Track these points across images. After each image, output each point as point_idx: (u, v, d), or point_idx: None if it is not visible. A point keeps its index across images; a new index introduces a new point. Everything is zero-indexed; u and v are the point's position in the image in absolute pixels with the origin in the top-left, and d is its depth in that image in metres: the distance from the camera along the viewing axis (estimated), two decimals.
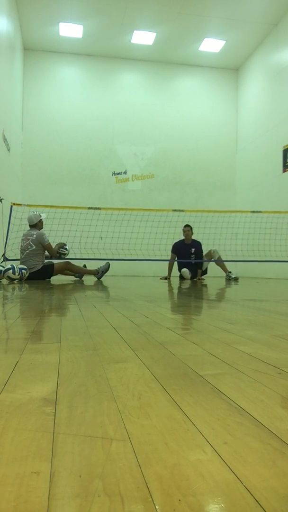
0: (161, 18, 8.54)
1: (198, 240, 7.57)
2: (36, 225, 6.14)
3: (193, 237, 7.54)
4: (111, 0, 8.00)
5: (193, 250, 7.36)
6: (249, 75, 10.06)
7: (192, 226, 7.55)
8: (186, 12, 8.31)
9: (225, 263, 7.43)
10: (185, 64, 10.36)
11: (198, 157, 10.36)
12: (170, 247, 7.58)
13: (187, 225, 7.47)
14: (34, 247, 5.92)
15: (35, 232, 6.01)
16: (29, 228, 6.23)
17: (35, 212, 6.24)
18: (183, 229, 7.44)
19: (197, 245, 7.43)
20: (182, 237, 7.52)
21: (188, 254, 7.34)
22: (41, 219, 6.21)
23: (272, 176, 8.85)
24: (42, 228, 6.25)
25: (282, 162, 8.46)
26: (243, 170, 10.32)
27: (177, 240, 7.56)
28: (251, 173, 9.87)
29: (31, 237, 5.97)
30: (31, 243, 5.93)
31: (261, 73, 9.45)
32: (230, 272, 7.38)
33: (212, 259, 7.37)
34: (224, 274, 7.53)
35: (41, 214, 6.26)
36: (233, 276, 7.27)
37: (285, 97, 8.43)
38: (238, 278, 7.38)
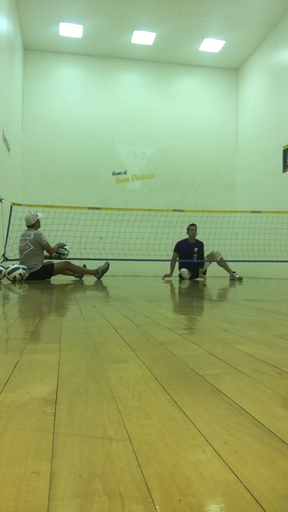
0: (161, 18, 8.54)
1: (200, 240, 7.57)
2: (34, 225, 6.13)
3: (195, 236, 7.54)
4: (111, 0, 8.00)
5: (195, 249, 7.36)
6: (249, 75, 10.06)
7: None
8: (186, 12, 8.31)
9: (227, 263, 7.44)
10: (185, 64, 10.36)
11: (198, 157, 10.36)
12: (173, 246, 7.54)
13: (194, 224, 7.45)
14: (32, 248, 5.91)
15: (32, 233, 6.00)
16: (26, 229, 6.21)
17: (32, 212, 6.21)
18: (190, 228, 7.41)
19: (200, 245, 7.43)
20: (185, 237, 7.51)
21: (191, 254, 7.34)
22: (39, 219, 6.19)
23: (272, 176, 8.85)
24: (39, 227, 6.24)
25: (282, 162, 8.46)
26: (243, 170, 10.32)
27: (180, 239, 7.55)
28: (251, 173, 9.87)
29: (28, 238, 5.97)
30: (29, 244, 5.92)
31: (261, 73, 9.45)
32: (234, 272, 7.38)
33: (215, 260, 7.36)
34: (227, 274, 7.54)
35: (38, 214, 6.23)
36: (237, 276, 7.26)
37: (285, 97, 8.42)
38: (242, 278, 7.38)
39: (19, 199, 8.47)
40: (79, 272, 6.39)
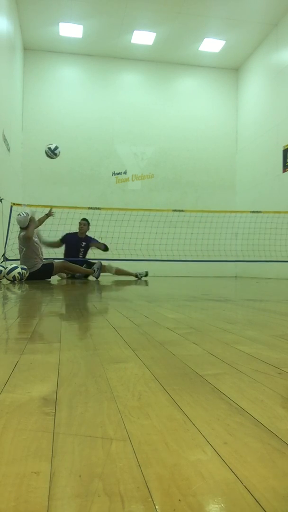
0: (161, 18, 8.54)
1: (93, 237, 7.26)
2: (29, 225, 5.83)
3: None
4: (111, 0, 8.00)
5: (83, 244, 7.07)
6: (249, 75, 10.06)
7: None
8: (186, 12, 8.31)
9: (123, 269, 6.99)
10: (185, 64, 10.36)
11: (198, 157, 10.36)
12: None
13: (85, 219, 7.15)
14: (24, 249, 5.90)
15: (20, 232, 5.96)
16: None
17: (21, 214, 5.82)
18: (80, 222, 7.13)
19: (89, 240, 7.12)
20: (75, 230, 7.23)
21: (77, 248, 7.04)
22: (31, 217, 5.86)
23: (272, 176, 8.85)
24: (38, 225, 6.16)
25: (282, 162, 8.46)
26: (243, 170, 10.31)
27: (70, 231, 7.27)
28: (251, 173, 9.87)
29: (19, 239, 5.97)
30: (21, 245, 5.93)
31: (261, 73, 9.45)
32: (138, 273, 7.01)
33: (112, 272, 6.87)
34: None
35: (28, 213, 5.87)
36: (141, 273, 6.98)
37: (285, 97, 8.42)
38: (147, 274, 7.10)
39: (19, 199, 8.46)
40: (76, 271, 6.41)
